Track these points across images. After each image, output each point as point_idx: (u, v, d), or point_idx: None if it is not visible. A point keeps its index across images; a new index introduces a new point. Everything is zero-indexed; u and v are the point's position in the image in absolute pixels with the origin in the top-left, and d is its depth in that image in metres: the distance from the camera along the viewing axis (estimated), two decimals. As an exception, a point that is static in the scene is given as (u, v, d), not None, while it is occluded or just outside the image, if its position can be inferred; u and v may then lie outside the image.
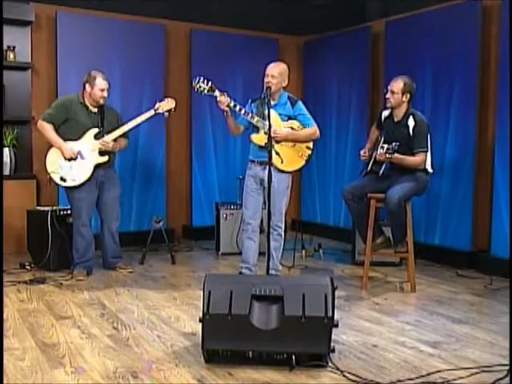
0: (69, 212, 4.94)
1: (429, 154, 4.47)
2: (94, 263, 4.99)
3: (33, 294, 4.27)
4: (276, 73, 4.46)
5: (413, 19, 5.77)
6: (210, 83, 4.46)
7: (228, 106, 4.44)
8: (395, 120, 4.56)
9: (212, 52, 6.58)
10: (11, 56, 5.55)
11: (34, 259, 5.04)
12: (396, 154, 4.30)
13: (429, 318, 3.80)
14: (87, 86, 4.71)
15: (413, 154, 4.41)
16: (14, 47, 5.57)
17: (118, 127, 4.81)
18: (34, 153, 5.80)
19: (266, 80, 4.46)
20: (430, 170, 4.51)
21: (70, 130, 4.69)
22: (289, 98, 4.59)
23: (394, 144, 4.27)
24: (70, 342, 3.25)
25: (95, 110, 4.78)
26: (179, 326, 3.58)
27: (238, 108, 4.48)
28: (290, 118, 4.56)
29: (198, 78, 4.47)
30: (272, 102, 4.48)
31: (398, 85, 4.45)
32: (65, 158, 4.65)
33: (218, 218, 5.89)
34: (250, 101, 4.70)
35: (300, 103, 4.61)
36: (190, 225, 6.72)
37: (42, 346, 3.19)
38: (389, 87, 4.50)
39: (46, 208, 5.04)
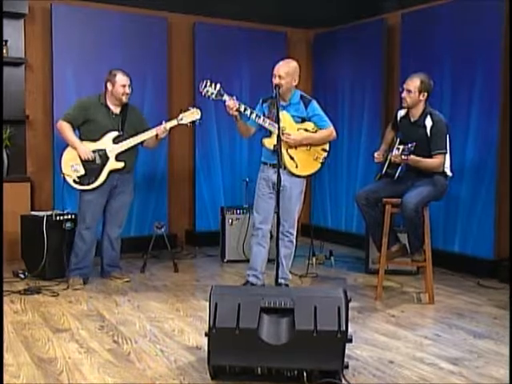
0: (65, 217, 4.98)
1: (448, 155, 4.47)
2: (92, 271, 5.01)
3: (27, 304, 4.29)
4: (283, 73, 4.41)
5: (431, 11, 5.76)
6: (218, 87, 4.45)
7: (237, 110, 4.45)
8: (412, 120, 4.56)
9: (217, 46, 6.60)
10: (3, 51, 5.56)
11: (28, 267, 5.06)
12: (412, 156, 4.30)
13: (449, 332, 3.80)
14: (108, 84, 4.78)
15: (430, 156, 4.42)
16: (6, 41, 5.58)
17: (141, 131, 4.87)
18: (28, 154, 5.84)
19: (274, 81, 4.43)
20: (449, 173, 4.51)
21: (89, 131, 4.78)
22: (301, 97, 4.57)
23: (409, 145, 4.27)
24: (68, 357, 3.27)
25: (117, 111, 4.85)
26: (183, 339, 3.60)
27: (248, 112, 4.48)
28: (303, 120, 4.55)
29: (205, 82, 4.48)
30: (284, 103, 4.50)
31: (414, 83, 4.45)
32: (80, 160, 4.72)
33: (224, 223, 5.91)
34: (261, 101, 4.69)
35: (314, 103, 4.59)
36: (193, 230, 6.73)
37: (38, 361, 3.20)
38: (404, 86, 4.49)
39: (40, 213, 5.07)
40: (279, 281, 4.53)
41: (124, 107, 4.89)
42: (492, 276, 5.16)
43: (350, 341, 2.89)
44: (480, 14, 5.30)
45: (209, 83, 4.46)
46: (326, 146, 4.63)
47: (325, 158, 4.63)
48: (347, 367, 2.95)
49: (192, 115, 4.86)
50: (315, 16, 6.64)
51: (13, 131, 5.65)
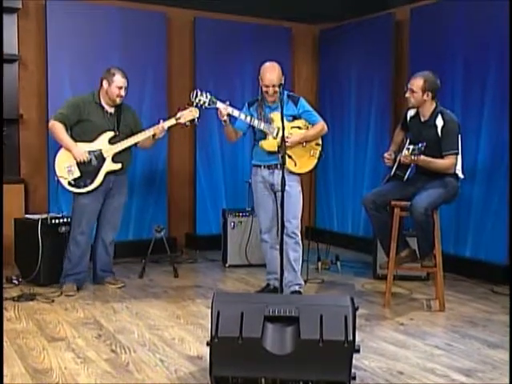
0: (61, 220, 4.98)
1: (459, 156, 4.46)
2: (87, 277, 5.02)
3: (21, 312, 4.29)
4: (278, 80, 4.45)
5: (441, 6, 5.75)
6: (209, 95, 4.54)
7: (229, 114, 4.52)
8: (422, 120, 4.55)
9: (218, 42, 6.61)
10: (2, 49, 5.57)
11: (22, 273, 5.06)
12: (422, 156, 4.29)
13: (461, 342, 3.78)
14: (104, 82, 4.77)
15: (442, 157, 4.40)
16: (-2, 37, 5.59)
17: (136, 132, 4.88)
18: (22, 155, 5.84)
19: (268, 91, 4.49)
20: (460, 175, 4.49)
21: (83, 131, 4.77)
22: (289, 96, 4.66)
23: (420, 144, 4.26)
24: (64, 367, 3.26)
25: (111, 110, 4.85)
26: (184, 348, 3.60)
27: (243, 116, 4.56)
28: (294, 118, 4.62)
29: (195, 92, 4.56)
30: (273, 105, 4.57)
31: (417, 82, 4.44)
32: (76, 162, 4.71)
33: (225, 227, 5.91)
34: (247, 104, 4.77)
35: (302, 100, 4.68)
36: (194, 233, 6.74)
37: (33, 371, 3.20)
38: (408, 85, 4.50)
39: (35, 216, 5.06)
40: (293, 288, 4.57)
41: (118, 106, 4.88)
42: (506, 282, 5.10)
43: (358, 351, 2.88)
44: (492, 9, 5.28)
45: (199, 93, 4.54)
46: (319, 141, 4.72)
47: (320, 152, 4.70)
48: (355, 378, 2.93)
49: (190, 114, 4.84)
50: (321, 11, 6.64)
51: (6, 131, 5.65)
